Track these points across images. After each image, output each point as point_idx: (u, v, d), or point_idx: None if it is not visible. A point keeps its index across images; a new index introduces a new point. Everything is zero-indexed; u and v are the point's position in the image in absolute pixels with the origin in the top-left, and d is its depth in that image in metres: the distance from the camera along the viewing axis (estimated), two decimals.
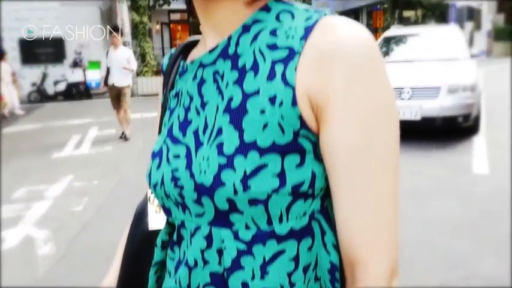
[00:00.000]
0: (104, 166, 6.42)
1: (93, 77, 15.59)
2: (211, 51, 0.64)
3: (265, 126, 0.56)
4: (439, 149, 6.01)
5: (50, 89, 15.38)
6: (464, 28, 23.82)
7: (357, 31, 0.55)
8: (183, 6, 17.34)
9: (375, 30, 22.77)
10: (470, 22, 25.09)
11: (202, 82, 0.64)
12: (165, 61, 0.80)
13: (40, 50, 15.42)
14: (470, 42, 22.21)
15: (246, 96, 0.58)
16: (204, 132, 0.61)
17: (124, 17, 15.36)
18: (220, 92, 0.61)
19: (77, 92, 15.24)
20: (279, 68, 0.56)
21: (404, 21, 22.70)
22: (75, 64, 15.39)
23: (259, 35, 0.60)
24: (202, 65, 0.65)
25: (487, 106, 8.17)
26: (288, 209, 0.57)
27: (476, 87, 6.31)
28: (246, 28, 0.61)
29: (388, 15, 21.48)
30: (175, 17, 21.41)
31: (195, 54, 0.70)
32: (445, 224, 3.81)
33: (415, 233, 3.56)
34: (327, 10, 0.59)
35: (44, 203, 4.91)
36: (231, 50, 0.61)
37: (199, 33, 0.68)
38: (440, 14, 22.21)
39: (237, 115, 0.58)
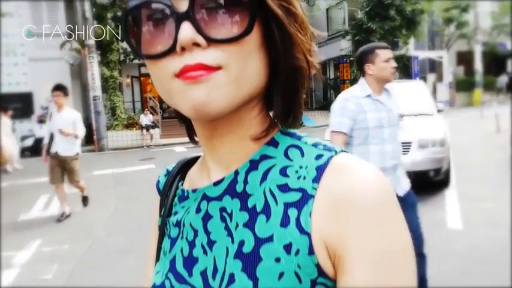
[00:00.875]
0: (74, 228, 6.22)
1: None
2: (216, 183, 0.62)
3: (281, 275, 0.53)
4: None
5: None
6: (427, 79, 24.86)
7: (370, 174, 0.54)
8: None
9: (343, 82, 23.50)
10: (432, 74, 26.27)
11: (208, 217, 0.62)
12: (161, 179, 0.78)
13: (7, 106, 15.17)
14: (434, 93, 23.10)
15: (258, 242, 0.56)
16: (213, 277, 0.58)
17: (94, 71, 15.40)
18: (230, 234, 0.59)
19: None
20: (292, 213, 0.55)
21: None
22: (41, 120, 15.21)
23: (268, 174, 0.59)
24: (206, 198, 0.63)
25: (454, 157, 8.40)
26: None
27: (445, 141, 6.50)
28: (253, 164, 0.60)
29: (355, 67, 22.23)
30: (146, 70, 21.42)
31: (196, 179, 0.69)
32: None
33: None
34: (336, 147, 0.58)
35: (12, 272, 4.68)
36: (239, 188, 0.60)
37: None
38: (403, 66, 23.14)
39: (250, 262, 0.55)
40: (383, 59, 2.99)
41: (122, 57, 17.99)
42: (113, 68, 17.07)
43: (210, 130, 0.61)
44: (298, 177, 0.56)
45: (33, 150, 14.89)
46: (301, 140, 0.61)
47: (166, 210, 0.71)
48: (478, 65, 27.49)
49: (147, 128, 15.87)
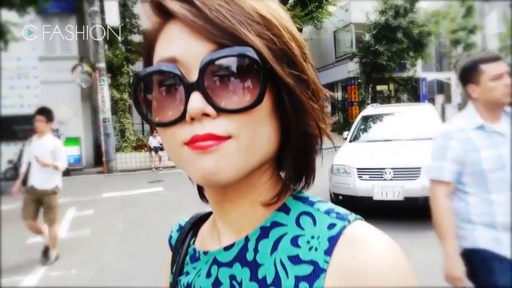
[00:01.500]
0: (82, 252, 6.19)
1: (71, 153, 15.64)
2: (226, 248, 0.61)
3: None
4: (424, 231, 5.97)
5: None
6: (436, 101, 24.85)
7: (384, 248, 0.52)
8: None
9: (350, 104, 23.55)
10: (440, 95, 26.30)
11: (218, 284, 0.61)
12: (174, 234, 0.77)
13: (18, 127, 15.36)
14: (442, 114, 23.05)
15: None
16: None
17: (104, 94, 15.58)
18: None
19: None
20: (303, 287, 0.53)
21: (378, 95, 23.56)
22: None
23: (279, 243, 0.57)
24: (217, 262, 0.62)
25: None
26: None
27: None
28: (264, 231, 0.59)
29: (362, 89, 22.32)
30: None
31: (207, 240, 0.68)
32: None
33: None
34: (350, 215, 0.56)
35: None
36: (249, 256, 0.58)
37: None
38: (411, 88, 23.17)
39: None
40: (490, 75, 2.19)
41: (131, 80, 18.22)
42: (122, 90, 17.29)
43: (220, 194, 0.60)
44: (310, 248, 0.54)
45: None
46: (314, 207, 0.59)
47: (178, 269, 0.70)
48: None
49: (156, 150, 15.93)
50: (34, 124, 5.67)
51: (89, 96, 17.29)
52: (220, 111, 0.51)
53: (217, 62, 0.51)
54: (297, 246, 0.56)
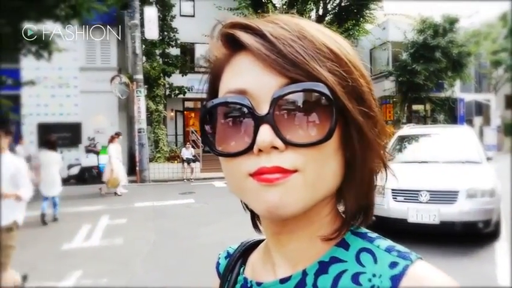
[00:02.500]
0: (114, 261, 6.26)
1: (106, 161, 16.02)
2: (282, 281, 0.60)
3: None
4: (460, 256, 5.78)
5: (63, 173, 15.54)
6: (474, 122, 24.26)
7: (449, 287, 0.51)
8: (196, 95, 18.09)
9: (385, 123, 23.27)
10: (479, 117, 25.65)
11: None
12: (222, 261, 0.76)
13: (57, 135, 15.82)
14: (480, 136, 22.46)
15: None
16: None
17: (141, 105, 15.89)
18: None
19: (90, 176, 15.41)
20: None
21: (414, 115, 23.20)
22: (88, 150, 15.77)
23: (340, 280, 0.56)
24: None
25: (505, 208, 7.99)
26: None
27: (495, 191, 6.21)
28: (323, 266, 0.58)
29: (398, 108, 22.02)
30: (189, 104, 22.18)
31: (259, 270, 0.66)
32: None
33: None
34: (411, 254, 0.55)
35: None
36: None
37: None
38: (449, 109, 22.71)
39: None
40: None
41: (167, 92, 18.52)
42: (158, 102, 17.59)
43: (279, 226, 0.59)
44: (372, 287, 0.53)
45: (79, 178, 15.38)
46: (373, 243, 0.58)
47: None
48: None
49: (188, 161, 16.10)
50: None
51: (126, 106, 17.68)
52: (289, 144, 0.51)
53: (288, 96, 0.52)
54: (358, 284, 0.54)
